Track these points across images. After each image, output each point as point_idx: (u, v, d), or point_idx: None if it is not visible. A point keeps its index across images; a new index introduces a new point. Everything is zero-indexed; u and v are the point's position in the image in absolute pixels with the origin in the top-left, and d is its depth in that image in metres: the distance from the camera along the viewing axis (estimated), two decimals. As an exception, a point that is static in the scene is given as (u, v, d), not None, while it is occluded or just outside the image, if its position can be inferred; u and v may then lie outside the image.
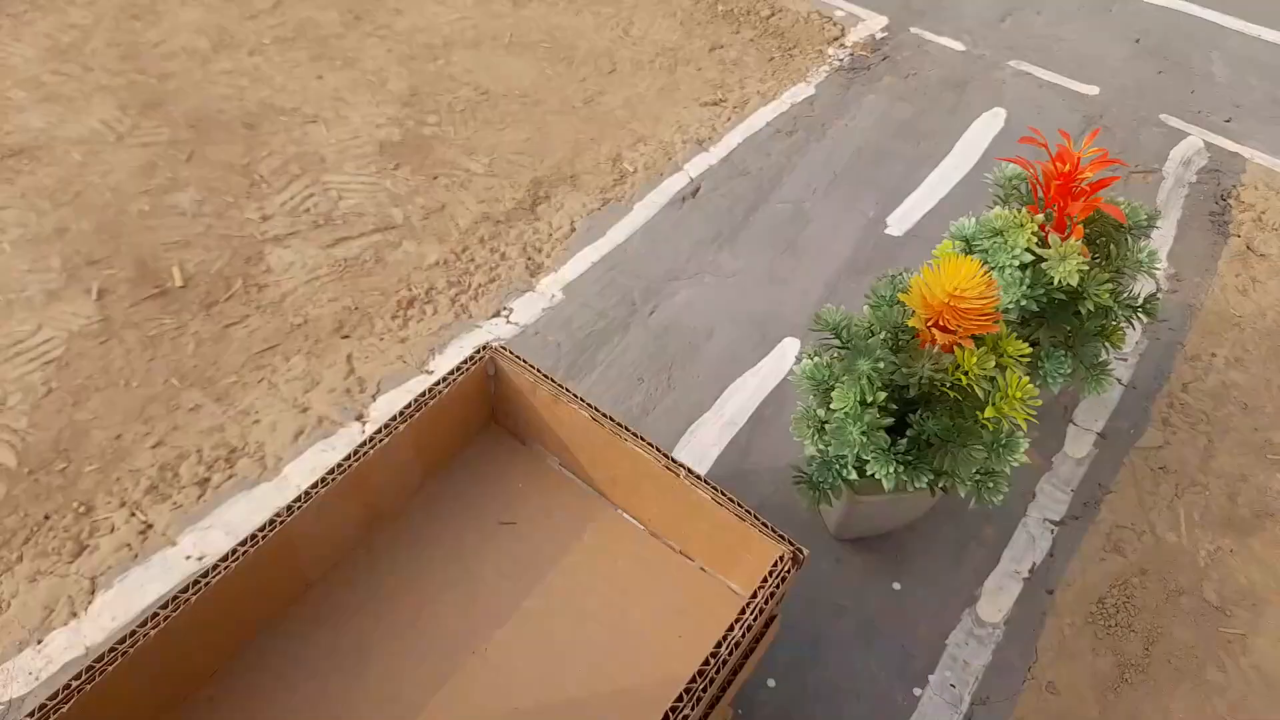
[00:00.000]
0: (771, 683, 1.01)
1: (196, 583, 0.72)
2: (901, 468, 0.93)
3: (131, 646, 0.68)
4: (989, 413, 0.90)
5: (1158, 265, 1.11)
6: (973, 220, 1.12)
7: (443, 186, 1.54)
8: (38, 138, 1.52)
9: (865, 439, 0.92)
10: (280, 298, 1.33)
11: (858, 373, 0.92)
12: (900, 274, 1.08)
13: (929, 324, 0.90)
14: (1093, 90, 1.92)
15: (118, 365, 1.22)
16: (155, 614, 0.69)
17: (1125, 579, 1.15)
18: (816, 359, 0.99)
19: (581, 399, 0.89)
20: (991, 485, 0.96)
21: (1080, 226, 1.08)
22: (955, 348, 0.90)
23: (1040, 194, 1.11)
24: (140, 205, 1.43)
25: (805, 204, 1.59)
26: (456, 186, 1.54)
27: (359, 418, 1.19)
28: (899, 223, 1.57)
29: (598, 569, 0.91)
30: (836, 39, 2.01)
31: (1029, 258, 1.05)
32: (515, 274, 1.41)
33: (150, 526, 1.06)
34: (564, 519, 0.94)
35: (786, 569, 0.79)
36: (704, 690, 0.72)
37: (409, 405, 0.86)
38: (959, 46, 2.03)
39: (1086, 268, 1.04)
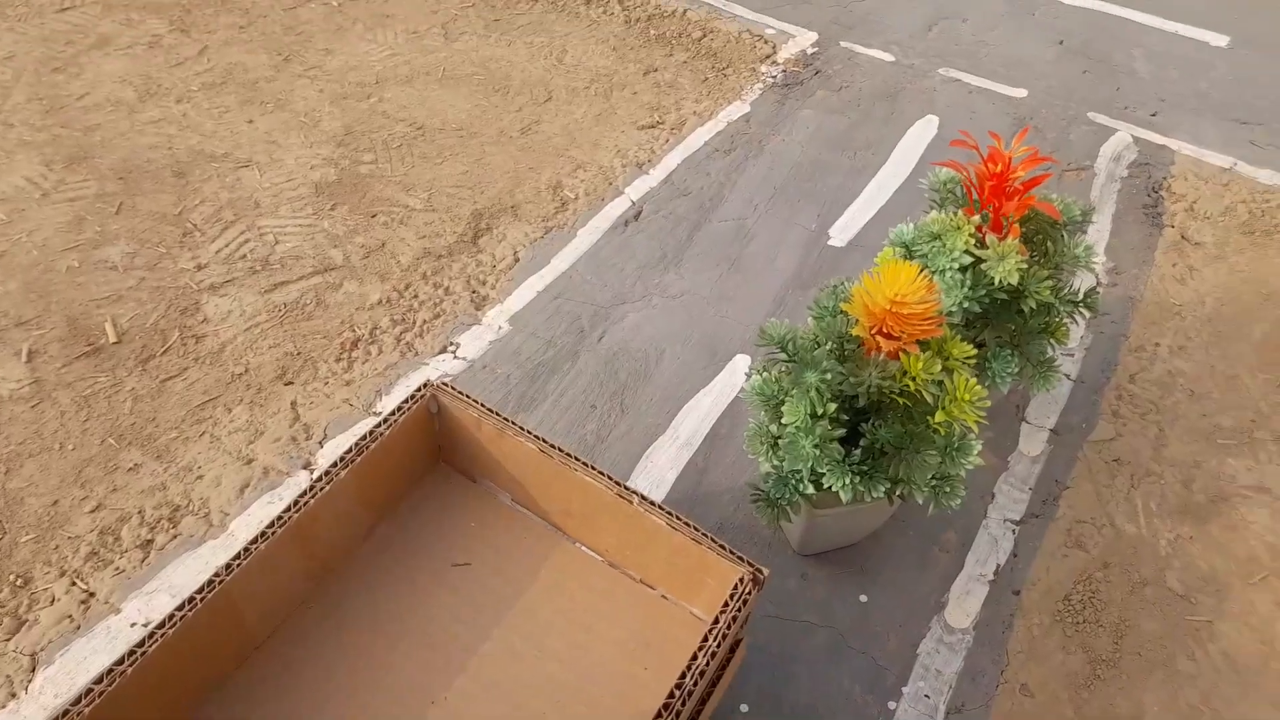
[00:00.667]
0: (744, 708, 0.99)
1: (133, 652, 0.69)
2: (857, 478, 0.92)
3: (67, 726, 0.64)
4: (939, 417, 0.89)
5: (1096, 259, 1.13)
6: (911, 226, 1.12)
7: (382, 224, 1.52)
8: (-43, 199, 1.48)
9: (819, 452, 0.91)
10: (219, 347, 1.29)
11: (806, 385, 0.91)
12: (842, 283, 1.08)
13: (873, 332, 0.89)
14: (1021, 93, 1.96)
15: (51, 428, 1.17)
16: (90, 689, 0.66)
17: (1089, 574, 1.15)
18: (765, 374, 0.98)
19: (529, 431, 0.87)
20: (949, 490, 0.96)
21: (1016, 226, 1.08)
22: (901, 354, 0.89)
23: (975, 196, 1.12)
24: (69, 261, 1.39)
25: (747, 220, 1.59)
26: (396, 223, 1.52)
27: (306, 465, 1.16)
28: (841, 233, 1.58)
29: (557, 605, 0.89)
30: (768, 56, 2.03)
31: (968, 259, 1.06)
32: (460, 308, 1.39)
33: (92, 595, 1.02)
34: (520, 556, 0.92)
35: (748, 591, 0.78)
36: (672, 721, 0.70)
37: (349, 450, 0.84)
38: (888, 58, 2.06)
39: (1025, 266, 1.04)
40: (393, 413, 0.87)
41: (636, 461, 1.20)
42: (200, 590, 0.72)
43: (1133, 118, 1.89)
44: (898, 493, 0.95)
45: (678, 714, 0.71)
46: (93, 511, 1.09)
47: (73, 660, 0.96)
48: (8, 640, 0.97)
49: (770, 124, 1.82)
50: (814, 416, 0.91)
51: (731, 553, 0.80)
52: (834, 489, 0.91)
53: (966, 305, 1.05)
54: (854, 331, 0.91)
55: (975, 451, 0.94)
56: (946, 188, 1.18)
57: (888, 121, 1.85)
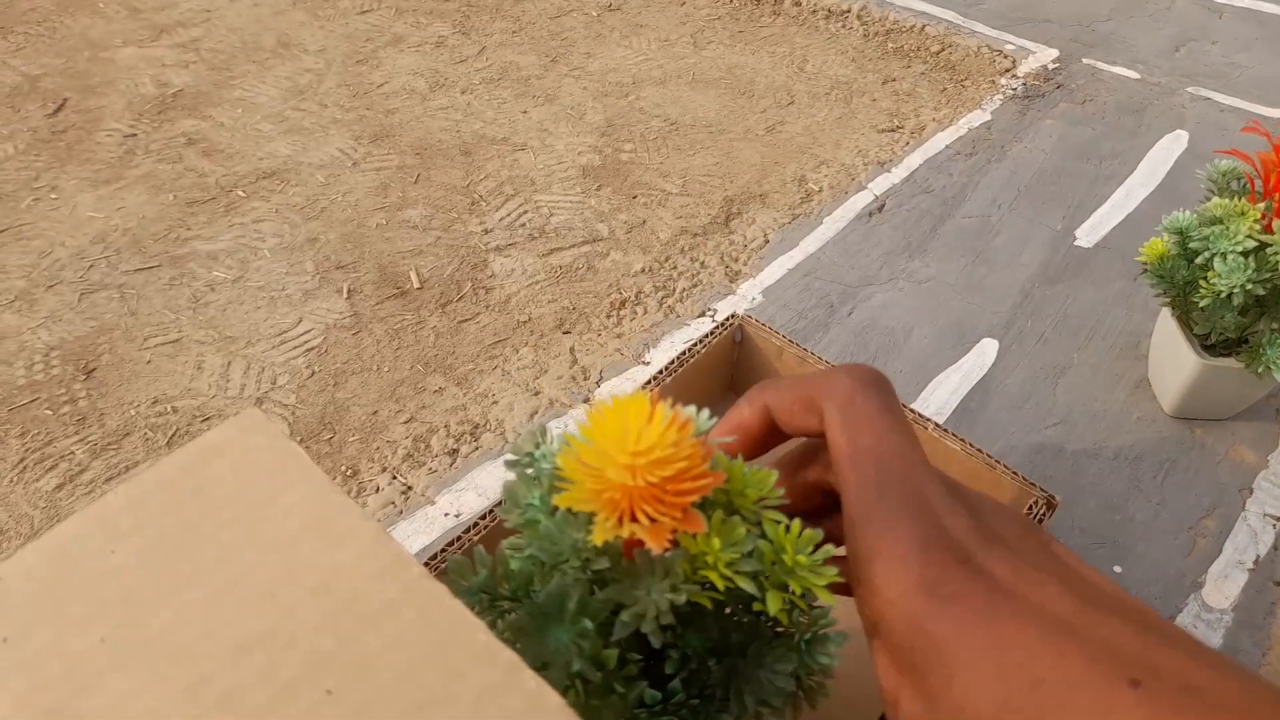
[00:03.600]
0: (999, 653, 1.02)
1: (459, 538, 0.78)
2: None
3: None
4: (773, 604, 0.47)
5: (1388, 252, 1.11)
6: (1188, 213, 1.14)
7: (642, 205, 1.65)
8: (285, 163, 1.71)
9: None
10: (506, 299, 1.44)
11: (560, 657, 0.48)
12: (533, 458, 0.53)
13: (618, 519, 0.44)
14: (1277, 113, 1.90)
15: (369, 354, 1.35)
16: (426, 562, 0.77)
17: (1360, 574, 1.12)
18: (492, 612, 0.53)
19: (827, 361, 0.95)
20: (814, 686, 0.53)
21: (1304, 214, 1.09)
22: (679, 536, 0.46)
23: (1257, 187, 1.13)
24: (378, 220, 1.59)
25: (991, 218, 1.63)
26: (655, 205, 1.65)
27: (586, 400, 1.28)
28: (1088, 235, 1.59)
29: (837, 524, 0.96)
30: (1008, 70, 2.06)
31: (1252, 244, 1.07)
32: (716, 279, 1.50)
33: (410, 488, 1.16)
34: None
35: (1042, 513, 0.83)
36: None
37: (671, 362, 0.94)
38: (1134, 75, 2.05)
39: (1313, 254, 1.05)
40: (705, 336, 0.97)
41: (888, 425, 1.26)
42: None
43: (1406, 140, 1.80)
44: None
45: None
46: (406, 423, 1.25)
47: (400, 536, 1.11)
48: (343, 518, 1.13)
49: (1012, 131, 1.85)
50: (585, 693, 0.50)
51: (1024, 479, 0.85)
52: None
53: (1249, 287, 1.06)
54: (594, 539, 0.44)
55: (838, 644, 0.50)
56: (1225, 178, 1.19)
57: (1135, 134, 1.84)
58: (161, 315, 1.40)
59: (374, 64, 2.01)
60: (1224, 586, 1.11)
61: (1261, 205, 1.09)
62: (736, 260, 1.54)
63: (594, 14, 2.24)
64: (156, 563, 0.37)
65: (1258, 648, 1.05)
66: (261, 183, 1.66)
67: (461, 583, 0.51)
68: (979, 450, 0.86)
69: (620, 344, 1.37)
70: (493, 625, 0.52)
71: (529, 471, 0.56)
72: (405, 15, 2.20)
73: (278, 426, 0.43)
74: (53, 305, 1.41)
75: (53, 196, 1.63)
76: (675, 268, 1.52)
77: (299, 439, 1.23)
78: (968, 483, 0.90)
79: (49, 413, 1.25)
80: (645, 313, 1.43)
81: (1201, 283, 1.10)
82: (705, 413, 0.57)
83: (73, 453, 1.20)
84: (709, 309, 1.44)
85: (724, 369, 1.03)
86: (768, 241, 1.58)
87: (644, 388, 0.91)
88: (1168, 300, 1.19)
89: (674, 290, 1.48)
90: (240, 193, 1.64)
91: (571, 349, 1.36)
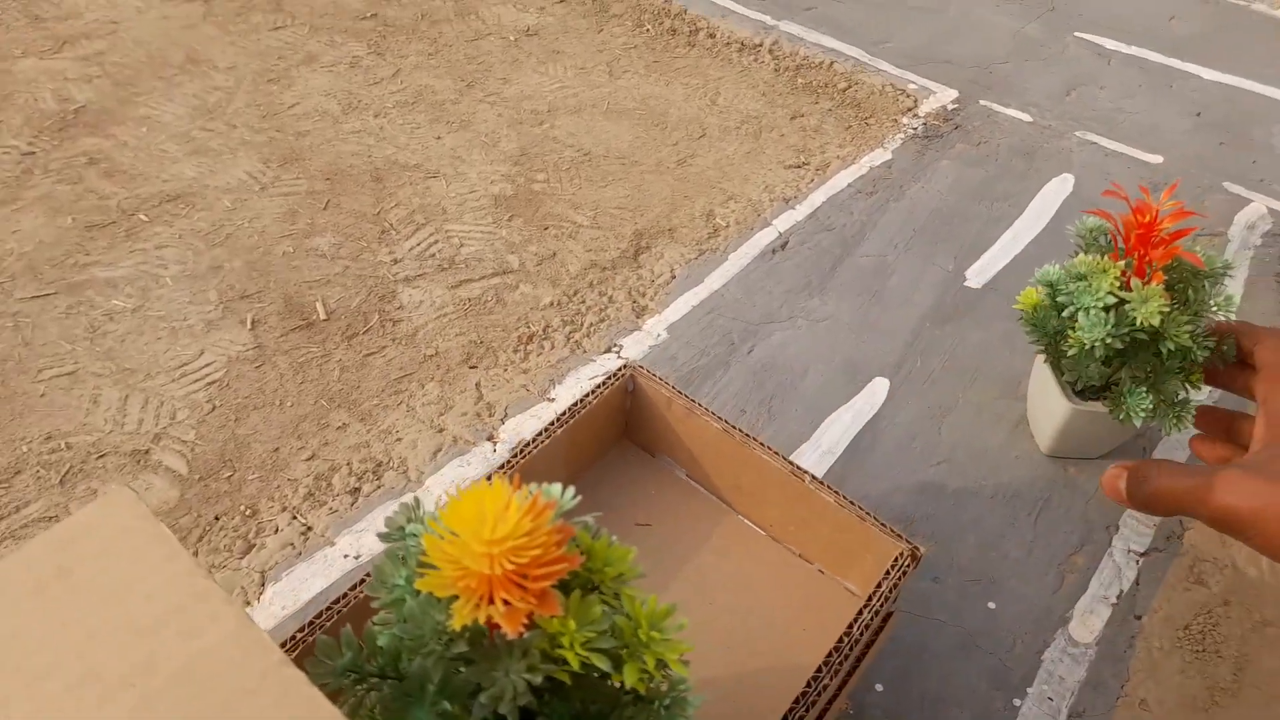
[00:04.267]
0: (879, 687, 1.08)
1: (325, 610, 0.79)
2: None
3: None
4: (630, 676, 0.52)
5: (1232, 309, 1.20)
6: (1057, 266, 1.22)
7: (553, 236, 1.68)
8: (190, 185, 1.69)
9: None
10: (413, 331, 1.46)
11: None
12: (401, 548, 0.57)
13: (477, 602, 0.45)
14: (1157, 159, 2.03)
15: (272, 387, 1.35)
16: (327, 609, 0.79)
17: (1210, 608, 1.21)
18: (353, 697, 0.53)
19: (713, 412, 0.99)
20: None
21: (1160, 273, 1.17)
22: (537, 618, 0.48)
23: (1120, 243, 1.21)
24: (285, 247, 1.58)
25: (888, 257, 1.70)
26: (565, 237, 1.68)
27: (490, 438, 1.30)
28: (978, 275, 1.67)
29: (724, 568, 1.01)
30: (910, 109, 2.14)
31: (1113, 300, 1.15)
32: (623, 315, 1.53)
33: (310, 529, 1.17)
34: (692, 523, 1.04)
35: (907, 563, 0.88)
36: (832, 675, 0.80)
37: (564, 413, 0.97)
38: (1026, 118, 2.15)
39: (1167, 310, 1.13)
40: (597, 387, 1.00)
41: (782, 463, 1.31)
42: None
43: (1269, 190, 1.94)
44: None
45: (837, 669, 0.81)
46: (308, 460, 1.26)
47: (297, 579, 1.11)
48: (241, 558, 1.13)
49: (911, 171, 1.93)
50: None
51: (892, 530, 0.90)
52: None
53: (1109, 341, 1.14)
54: (453, 623, 0.46)
55: (696, 705, 0.56)
56: (1092, 234, 1.28)
57: (1025, 177, 1.94)
58: (57, 346, 1.37)
59: (286, 83, 1.99)
60: (1089, 621, 1.19)
61: (1122, 263, 1.17)
62: (644, 295, 1.58)
63: (511, 38, 2.26)
64: (18, 652, 0.38)
65: (1116, 679, 1.13)
66: (165, 206, 1.64)
67: (329, 663, 0.54)
68: (851, 503, 0.92)
69: (526, 379, 1.40)
70: (360, 701, 0.54)
71: (398, 551, 0.59)
72: (319, 33, 2.18)
73: (145, 508, 0.44)
74: (-60, 332, 1.37)
75: (-58, 215, 1.58)
76: (584, 302, 1.55)
77: (198, 477, 1.22)
78: (836, 534, 0.95)
79: (-67, 447, 1.22)
80: (552, 348, 1.46)
81: (1069, 333, 1.18)
82: (570, 491, 0.60)
83: (-42, 491, 1.17)
84: (614, 344, 1.47)
85: (618, 416, 1.07)
86: (674, 277, 1.63)
87: (537, 438, 0.94)
88: (1041, 347, 1.27)
89: (582, 325, 1.51)
90: (143, 216, 1.61)
91: (478, 384, 1.38)
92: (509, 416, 1.33)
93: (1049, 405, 1.31)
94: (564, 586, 0.54)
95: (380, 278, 1.55)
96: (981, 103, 2.19)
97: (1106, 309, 1.15)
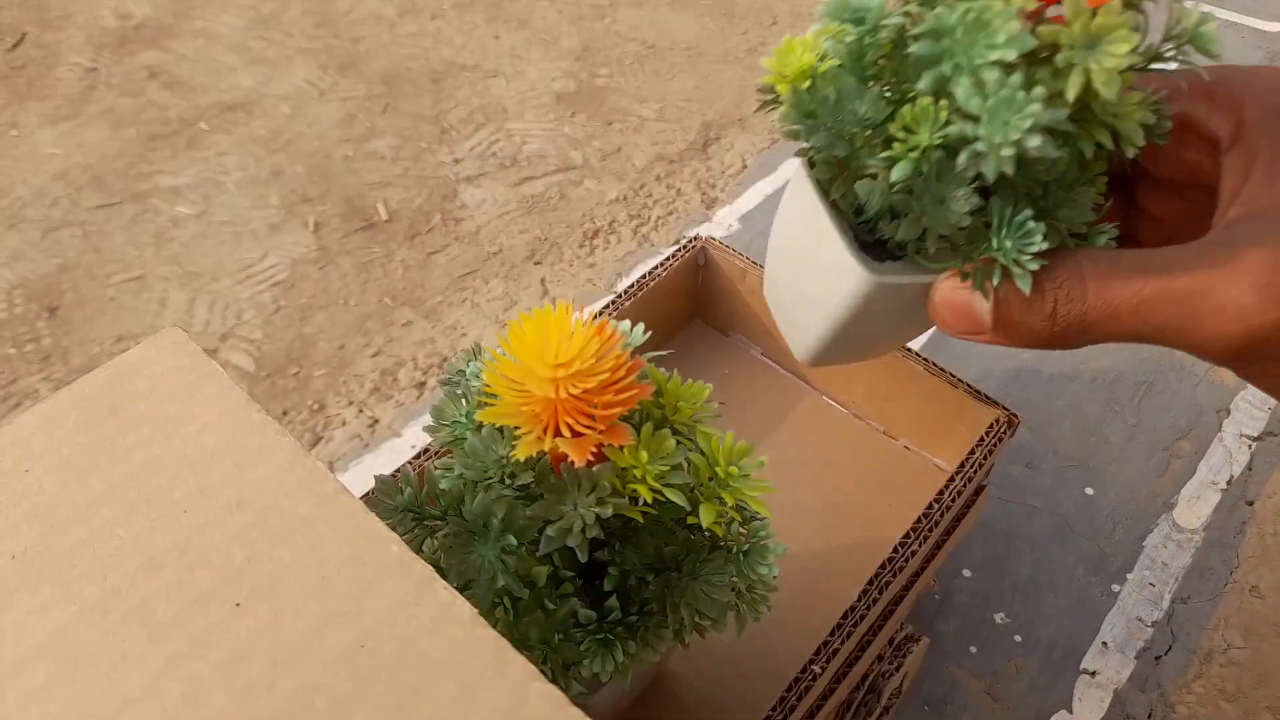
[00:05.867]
0: (967, 573, 1.02)
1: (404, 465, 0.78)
2: (631, 643, 0.48)
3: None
4: (706, 516, 0.46)
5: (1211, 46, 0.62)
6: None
7: (617, 131, 1.61)
8: (249, 94, 1.66)
9: (555, 643, 0.48)
10: (476, 230, 1.42)
11: (484, 574, 0.46)
12: (461, 378, 0.55)
13: (542, 433, 0.42)
14: (1274, 27, 1.86)
15: (336, 287, 1.32)
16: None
17: (1335, 492, 1.12)
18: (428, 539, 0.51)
19: (793, 283, 0.93)
20: (754, 598, 0.53)
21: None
22: (606, 450, 0.45)
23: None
24: (345, 151, 1.55)
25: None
26: (630, 131, 1.61)
27: (558, 330, 1.26)
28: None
29: (805, 445, 0.95)
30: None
31: (1027, 44, 0.29)
32: (691, 207, 1.47)
33: (377, 421, 1.15)
34: (770, 402, 0.98)
35: (1002, 430, 0.82)
36: (920, 540, 0.74)
37: (631, 286, 0.92)
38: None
39: (1139, 59, 0.33)
40: (666, 259, 0.94)
41: (863, 351, 1.25)
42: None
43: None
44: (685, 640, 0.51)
45: (926, 535, 0.76)
46: (374, 356, 1.23)
47: (365, 470, 1.10)
48: (310, 450, 1.12)
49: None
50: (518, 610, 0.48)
51: (986, 397, 0.84)
52: (600, 676, 0.47)
53: (1032, 144, 0.30)
54: (517, 454, 0.43)
55: (778, 553, 0.52)
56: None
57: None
58: (125, 252, 1.37)
59: (341, -10, 1.95)
60: (1196, 507, 1.11)
61: None
62: (714, 187, 1.51)
63: (568, -65, 2.17)
64: (69, 481, 0.36)
65: (1225, 565, 1.05)
66: (225, 115, 1.62)
67: (387, 501, 0.50)
68: (941, 369, 0.85)
69: (593, 274, 1.35)
70: (421, 544, 0.51)
71: (458, 390, 0.55)
72: (373, -61, 2.12)
73: (195, 345, 0.41)
74: (15, 244, 1.38)
75: (13, 134, 1.58)
76: (651, 195, 1.49)
77: (265, 374, 1.21)
78: (925, 405, 0.88)
79: (13, 351, 1.22)
80: (619, 242, 1.41)
81: (915, 130, 0.27)
82: (640, 327, 0.55)
83: (37, 390, 1.18)
84: (683, 238, 1.41)
85: (687, 293, 1.01)
86: (745, 167, 1.55)
87: (602, 312, 0.89)
88: (817, 159, 0.44)
89: (649, 219, 1.45)
90: (203, 126, 1.59)
91: (543, 280, 1.34)
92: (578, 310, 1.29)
93: (817, 271, 0.45)
94: (634, 422, 0.49)
95: (441, 178, 1.51)
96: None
97: (1009, 67, 0.31)
